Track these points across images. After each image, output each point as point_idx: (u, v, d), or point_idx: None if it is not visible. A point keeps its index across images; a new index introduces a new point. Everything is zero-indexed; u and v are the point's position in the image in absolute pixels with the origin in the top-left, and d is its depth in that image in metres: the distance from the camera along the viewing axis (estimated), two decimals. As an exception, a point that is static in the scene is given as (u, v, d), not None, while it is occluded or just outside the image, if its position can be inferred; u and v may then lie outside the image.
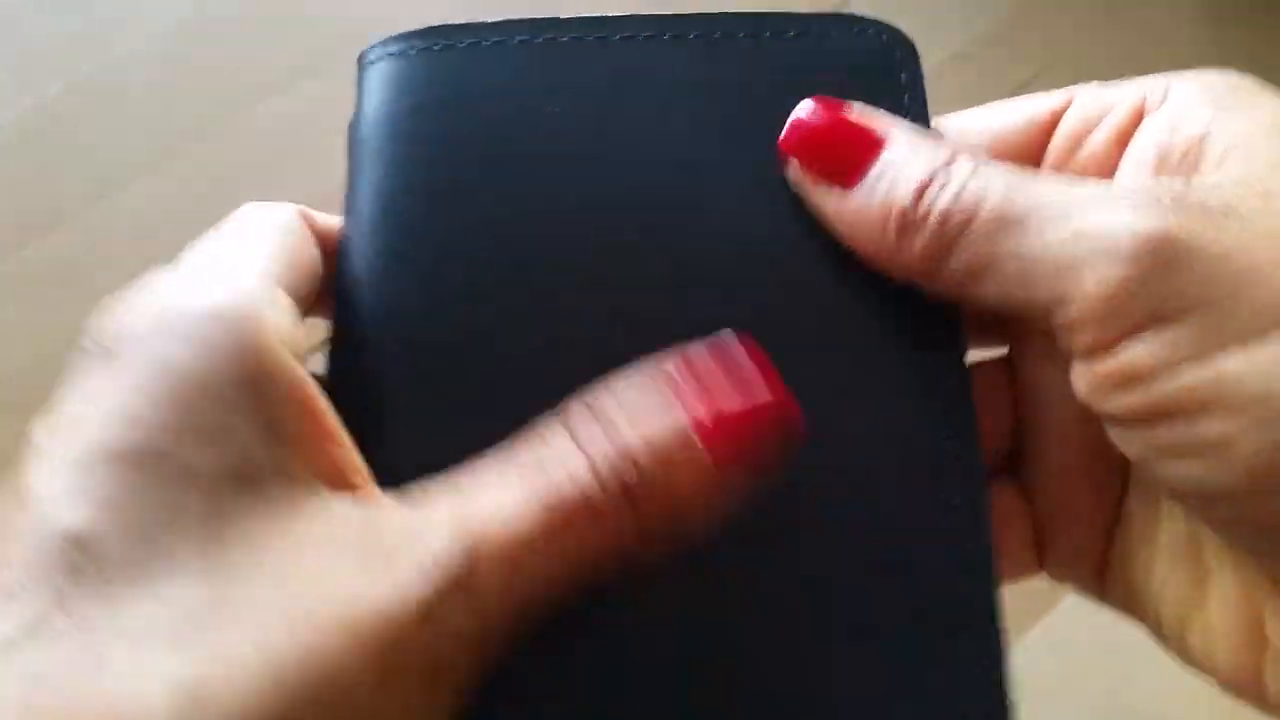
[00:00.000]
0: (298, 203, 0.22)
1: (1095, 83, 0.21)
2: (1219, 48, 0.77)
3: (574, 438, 0.17)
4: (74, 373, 0.16)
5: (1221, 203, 0.17)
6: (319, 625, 0.14)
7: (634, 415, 0.17)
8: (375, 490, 0.17)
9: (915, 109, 0.22)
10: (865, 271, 0.20)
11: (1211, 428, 0.16)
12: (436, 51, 0.22)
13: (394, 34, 0.23)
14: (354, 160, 0.22)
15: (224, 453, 0.15)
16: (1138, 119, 0.20)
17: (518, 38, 0.22)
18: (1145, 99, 0.20)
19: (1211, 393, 0.16)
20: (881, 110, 0.21)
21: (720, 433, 0.16)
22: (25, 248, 0.64)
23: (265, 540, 0.15)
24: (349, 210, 0.21)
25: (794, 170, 0.21)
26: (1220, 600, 0.19)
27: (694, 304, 0.20)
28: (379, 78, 0.22)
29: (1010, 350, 0.23)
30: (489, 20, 0.23)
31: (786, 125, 0.21)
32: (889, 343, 0.20)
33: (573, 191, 0.21)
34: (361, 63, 0.23)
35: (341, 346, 0.20)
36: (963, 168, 0.19)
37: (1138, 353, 0.17)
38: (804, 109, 0.21)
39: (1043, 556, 0.22)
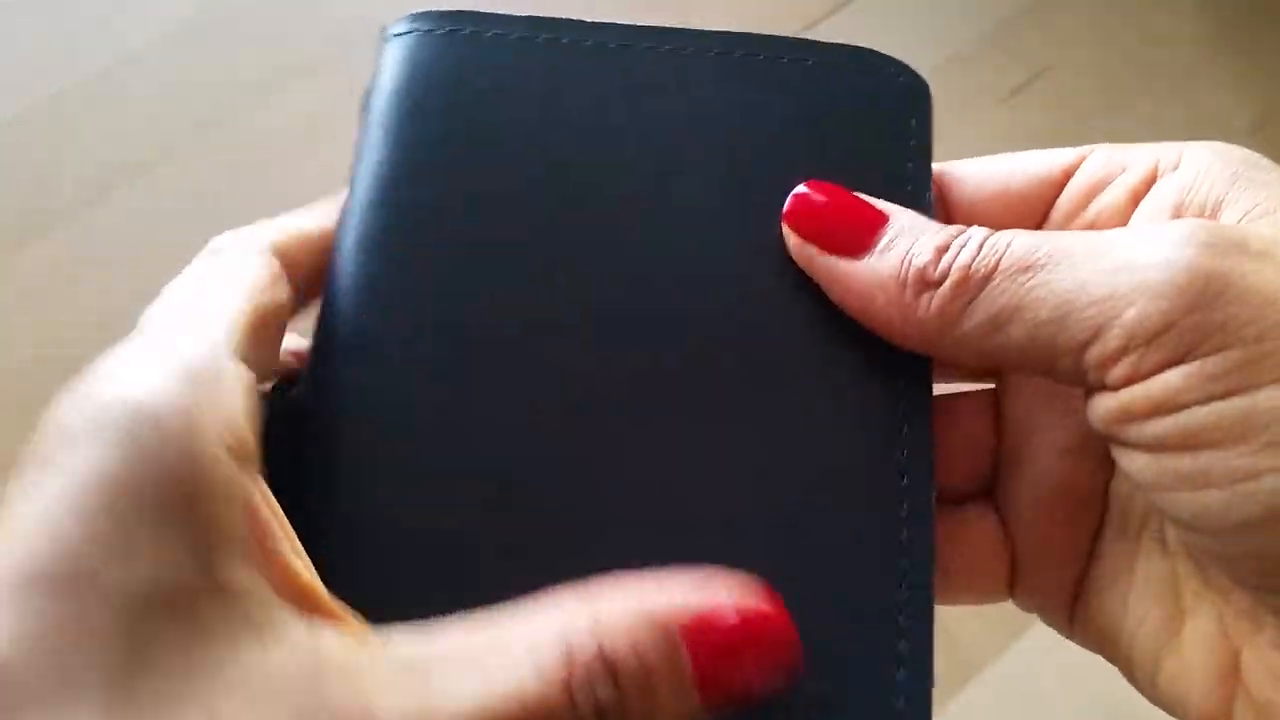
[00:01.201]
0: (298, 204, 0.22)
1: (1107, 144, 0.22)
2: (1219, 48, 0.77)
3: (562, 647, 0.15)
4: (18, 473, 0.15)
5: (1260, 245, 0.17)
6: None
7: (626, 632, 0.15)
8: (329, 608, 0.16)
9: (919, 154, 0.22)
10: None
11: (1240, 460, 0.17)
12: (462, 36, 0.23)
13: (423, 10, 0.23)
14: (362, 132, 0.22)
15: (152, 573, 0.14)
16: (1151, 181, 0.20)
17: (542, 35, 0.23)
18: (1158, 163, 0.20)
19: (1244, 426, 0.17)
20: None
21: (708, 647, 0.15)
22: (24, 248, 0.64)
23: (189, 672, 0.14)
24: (352, 180, 0.21)
25: (795, 241, 0.21)
26: (1195, 641, 0.19)
27: (659, 312, 0.20)
28: (399, 52, 0.23)
29: (998, 385, 0.23)
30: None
31: (788, 199, 0.21)
32: (849, 370, 0.20)
33: (565, 190, 0.21)
34: (385, 34, 0.23)
35: (325, 319, 0.20)
36: (978, 231, 0.19)
37: (1171, 382, 0.17)
38: (804, 187, 0.21)
39: (1014, 584, 0.22)
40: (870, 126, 0.22)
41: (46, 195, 0.66)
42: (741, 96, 0.22)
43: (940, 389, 0.22)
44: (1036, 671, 0.56)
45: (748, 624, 0.16)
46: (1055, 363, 0.18)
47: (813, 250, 0.20)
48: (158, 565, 0.14)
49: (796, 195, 0.21)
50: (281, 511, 0.17)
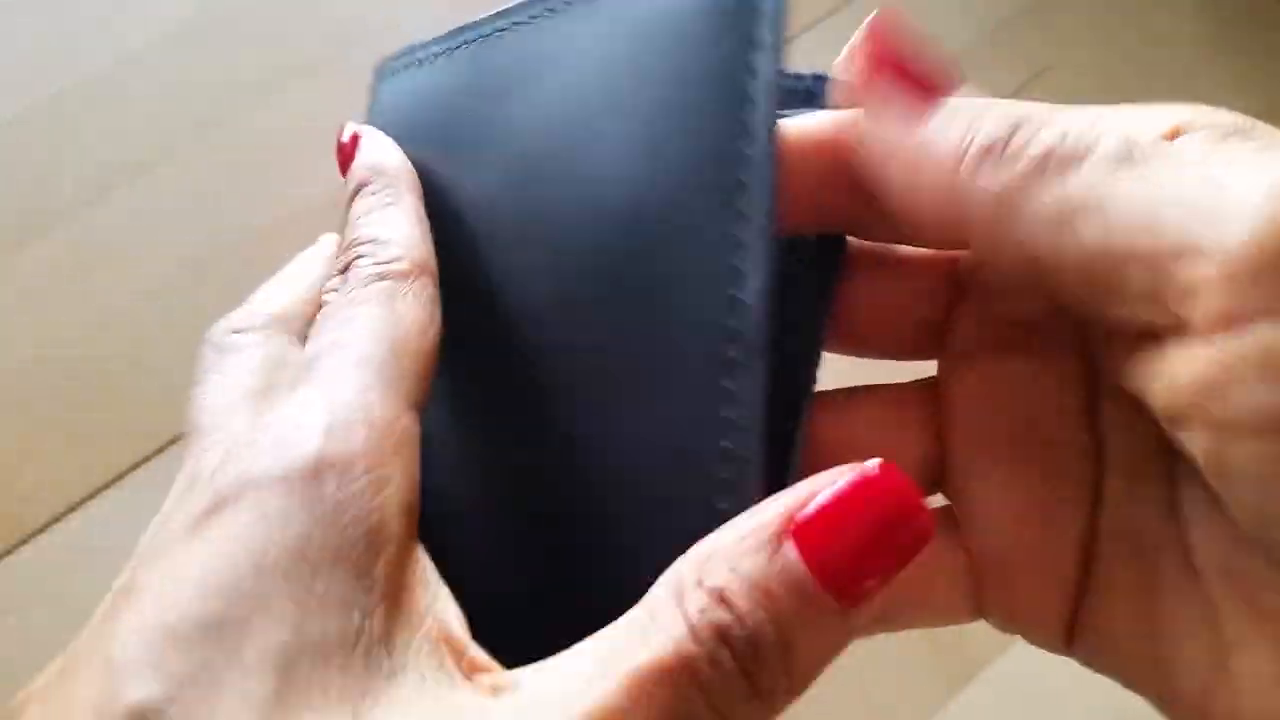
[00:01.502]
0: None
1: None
2: (1219, 48, 0.77)
3: (672, 602, 0.15)
4: (174, 518, 0.16)
5: None
6: None
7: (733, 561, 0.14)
8: (475, 659, 0.16)
9: (760, 71, 0.19)
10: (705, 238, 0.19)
11: None
12: (391, 70, 0.25)
13: (403, 47, 0.25)
14: None
15: (308, 628, 0.14)
16: None
17: (476, 35, 0.24)
18: None
19: None
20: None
21: (811, 536, 0.14)
22: (24, 248, 0.64)
23: (336, 716, 0.14)
24: None
25: (855, 90, 0.18)
26: (1253, 679, 0.16)
27: (562, 267, 0.21)
28: (381, 95, 0.25)
29: (939, 373, 0.21)
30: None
31: (862, 42, 0.18)
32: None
33: (480, 178, 0.23)
34: (375, 74, 0.26)
35: None
36: (1066, 112, 0.17)
37: (1275, 338, 0.13)
38: (875, 28, 0.19)
39: (981, 602, 0.20)
40: (703, 45, 0.20)
41: (46, 195, 0.66)
42: (572, 44, 0.22)
43: (868, 379, 0.21)
44: (1040, 670, 0.56)
45: (841, 498, 0.14)
46: (1125, 281, 0.15)
47: (874, 105, 0.18)
48: (324, 619, 0.14)
49: (869, 36, 0.18)
50: (435, 567, 0.17)
